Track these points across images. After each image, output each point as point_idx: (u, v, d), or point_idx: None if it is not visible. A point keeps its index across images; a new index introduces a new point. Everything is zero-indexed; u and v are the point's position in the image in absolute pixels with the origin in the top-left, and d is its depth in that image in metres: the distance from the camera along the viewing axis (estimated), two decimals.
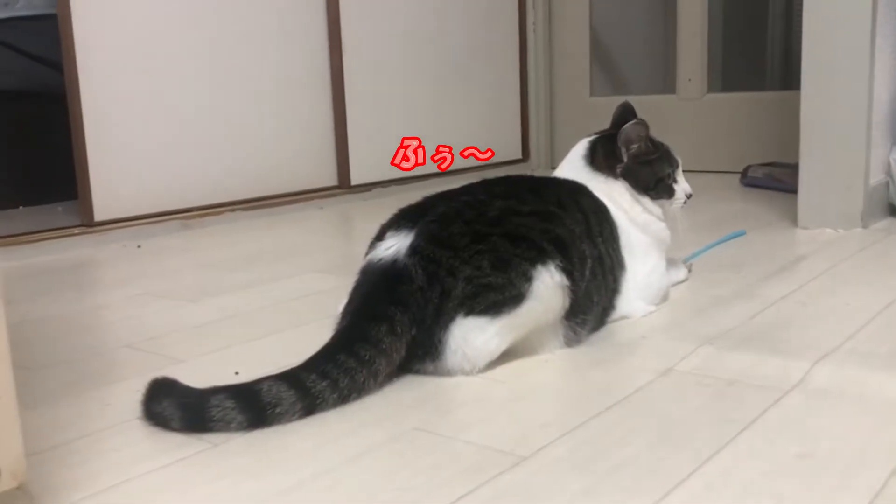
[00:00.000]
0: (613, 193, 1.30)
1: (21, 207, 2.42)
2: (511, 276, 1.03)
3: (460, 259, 1.03)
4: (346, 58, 2.56)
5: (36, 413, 0.97)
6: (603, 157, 1.32)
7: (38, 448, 0.87)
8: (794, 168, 2.01)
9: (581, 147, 1.35)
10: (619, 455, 0.82)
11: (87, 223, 2.06)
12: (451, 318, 1.01)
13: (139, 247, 2.03)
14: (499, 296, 1.02)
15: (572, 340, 1.14)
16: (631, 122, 1.29)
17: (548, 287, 1.05)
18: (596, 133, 1.37)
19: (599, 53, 3.23)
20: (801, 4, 1.87)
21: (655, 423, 0.89)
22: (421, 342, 1.02)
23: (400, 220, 1.12)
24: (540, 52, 3.21)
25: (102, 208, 2.07)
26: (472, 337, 1.02)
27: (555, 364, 1.09)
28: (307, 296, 1.49)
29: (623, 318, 1.26)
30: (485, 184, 1.21)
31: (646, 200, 1.31)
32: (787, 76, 3.12)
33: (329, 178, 2.62)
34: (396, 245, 1.06)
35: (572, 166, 1.34)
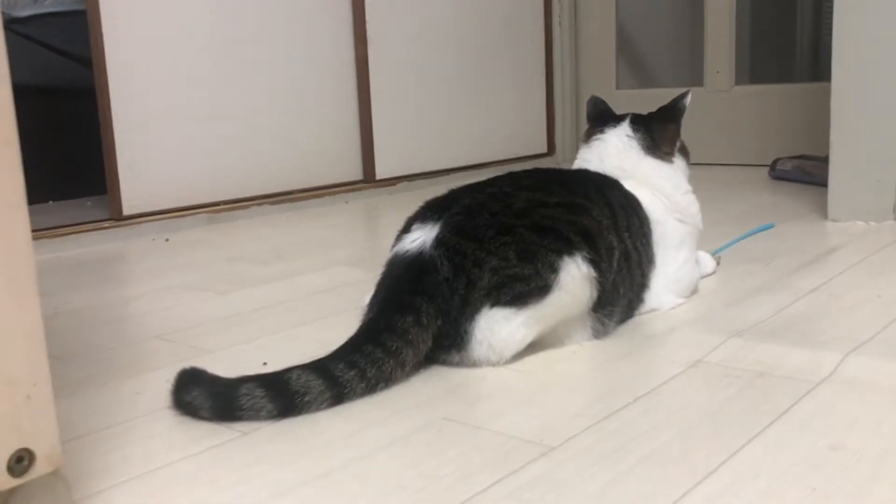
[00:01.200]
0: (665, 176, 1.31)
1: (51, 202, 2.46)
2: (537, 267, 1.02)
3: (486, 250, 1.02)
4: (371, 50, 2.57)
5: (69, 402, 0.99)
6: (659, 139, 1.32)
7: (72, 435, 0.88)
8: (823, 161, 1.99)
9: (623, 135, 1.33)
10: (648, 446, 0.81)
11: (116, 217, 2.08)
12: (477, 309, 1.02)
13: (167, 240, 2.05)
14: (525, 287, 1.02)
15: (600, 332, 1.13)
16: (684, 97, 1.33)
17: (574, 278, 1.04)
18: (602, 124, 1.35)
19: (625, 46, 3.21)
20: None
21: (684, 415, 0.89)
22: (447, 333, 1.02)
23: (426, 213, 1.12)
24: (565, 45, 3.20)
25: (131, 202, 2.10)
26: (497, 328, 1.02)
27: (582, 355, 1.09)
28: (334, 288, 1.50)
29: (651, 311, 1.25)
30: (511, 176, 1.20)
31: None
32: (817, 68, 3.09)
33: (354, 172, 2.63)
34: (422, 237, 1.07)
35: (620, 156, 1.32)
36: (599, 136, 1.35)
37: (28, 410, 0.63)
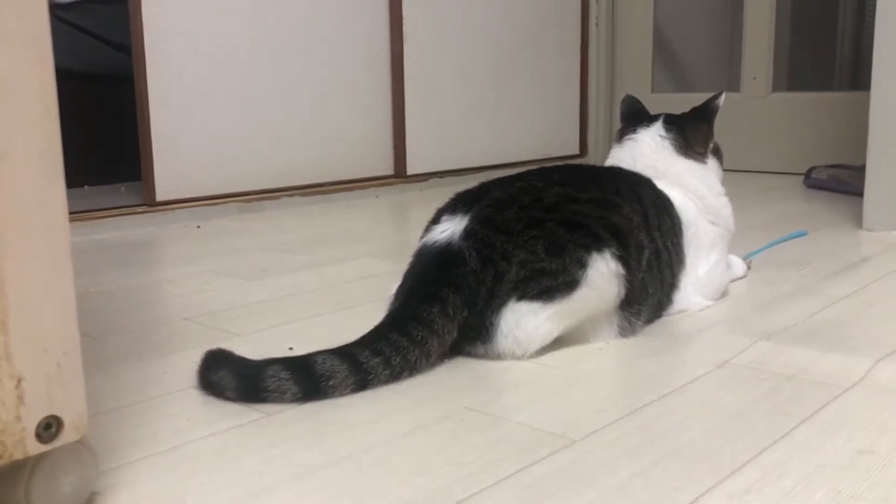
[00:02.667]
0: (698, 177, 1.30)
1: (86, 187, 2.49)
2: (565, 262, 1.02)
3: (515, 244, 1.02)
4: (406, 45, 2.57)
5: (97, 378, 1.00)
6: (692, 139, 1.32)
7: (100, 410, 0.90)
8: (859, 170, 1.96)
9: (656, 135, 1.32)
10: (673, 442, 0.81)
11: (150, 203, 2.11)
12: (504, 302, 1.01)
13: (199, 227, 2.07)
14: (552, 281, 1.02)
15: (627, 331, 1.13)
16: (717, 97, 1.33)
17: (602, 275, 1.04)
18: (635, 124, 1.34)
19: (662, 49, 3.19)
20: (874, 1, 1.82)
21: (710, 414, 0.88)
22: (473, 324, 1.02)
23: (456, 204, 1.12)
24: (602, 47, 3.18)
25: (164, 189, 2.12)
26: (524, 321, 1.02)
27: (609, 352, 1.09)
28: (362, 279, 1.50)
29: (680, 312, 1.24)
30: (542, 171, 1.20)
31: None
32: (857, 77, 3.05)
33: (386, 167, 2.64)
34: (451, 228, 1.07)
35: (653, 156, 1.31)
36: (632, 135, 1.34)
37: (58, 378, 0.64)
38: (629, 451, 0.79)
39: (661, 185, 1.26)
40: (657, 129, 1.33)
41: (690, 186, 1.28)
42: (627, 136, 1.35)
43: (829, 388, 0.94)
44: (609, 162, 1.36)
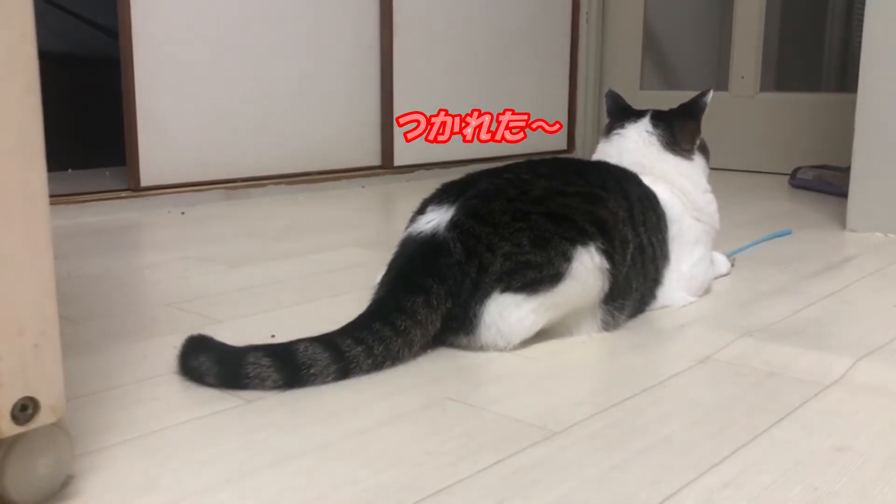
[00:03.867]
0: (685, 173, 1.30)
1: (70, 170, 2.47)
2: (550, 255, 1.02)
3: (500, 235, 1.02)
4: (396, 36, 2.56)
5: (76, 361, 0.99)
6: (679, 136, 1.32)
7: (78, 394, 0.89)
8: (844, 171, 1.97)
9: (643, 131, 1.32)
10: (653, 436, 0.81)
11: (134, 188, 2.09)
12: (488, 294, 1.01)
13: (183, 213, 2.06)
14: (536, 274, 1.01)
15: (610, 325, 1.13)
16: (705, 95, 1.33)
17: (587, 268, 1.04)
18: (622, 119, 1.34)
19: (652, 46, 3.19)
20: (862, 4, 1.83)
21: (690, 409, 0.88)
22: (456, 315, 1.01)
23: (442, 195, 1.12)
24: (591, 43, 3.18)
25: (149, 174, 2.10)
26: (507, 313, 1.02)
27: (591, 346, 1.09)
28: (346, 268, 1.50)
29: (663, 307, 1.24)
30: (529, 164, 1.20)
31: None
32: (844, 78, 3.07)
33: (372, 157, 2.63)
34: (437, 219, 1.06)
35: (640, 151, 1.31)
36: (620, 130, 1.34)
37: (35, 359, 0.64)
38: (609, 443, 0.79)
39: (646, 180, 1.26)
40: (644, 124, 1.33)
41: (676, 182, 1.29)
42: (615, 132, 1.35)
43: (808, 385, 0.94)
44: (596, 156, 1.36)
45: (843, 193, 1.94)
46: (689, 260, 1.27)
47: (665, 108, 1.37)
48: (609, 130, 1.37)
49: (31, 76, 0.61)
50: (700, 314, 1.23)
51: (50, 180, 0.64)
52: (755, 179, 2.71)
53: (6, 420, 0.63)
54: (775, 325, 1.17)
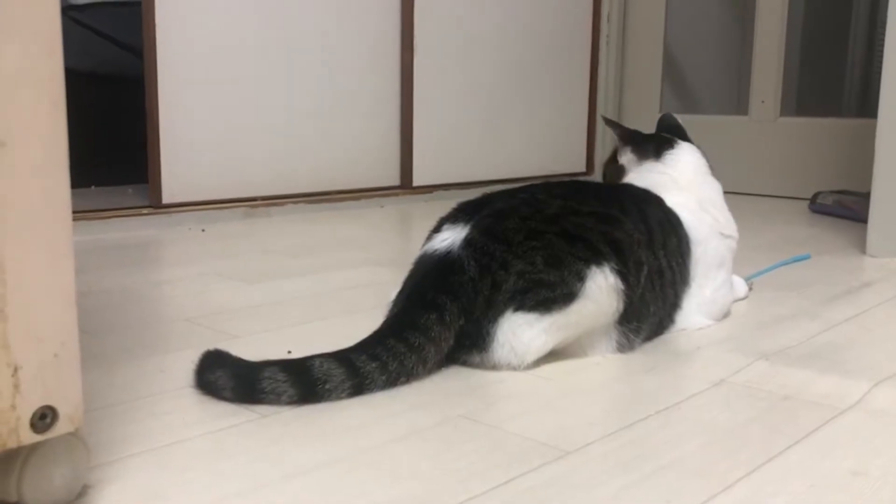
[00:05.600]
0: (719, 192, 1.35)
1: (93, 187, 2.50)
2: (564, 275, 1.02)
3: (514, 254, 1.02)
4: (416, 57, 2.59)
5: (95, 374, 1.00)
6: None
7: (96, 406, 0.90)
8: (864, 197, 1.96)
9: (696, 152, 1.37)
10: (666, 457, 0.81)
11: (155, 205, 2.12)
12: (501, 312, 1.01)
13: (203, 230, 2.08)
14: (550, 293, 1.02)
15: (625, 346, 1.13)
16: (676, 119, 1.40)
17: (601, 288, 1.04)
18: (664, 143, 1.36)
19: (671, 70, 3.20)
20: (884, 28, 1.83)
21: (704, 431, 0.88)
22: (469, 333, 1.02)
23: (458, 214, 1.13)
24: (611, 66, 3.20)
25: (170, 192, 2.13)
26: (520, 332, 1.02)
27: (605, 367, 1.08)
28: (363, 286, 1.51)
29: (680, 330, 1.24)
30: (546, 185, 1.20)
31: None
32: (865, 104, 3.05)
33: (392, 177, 2.64)
34: (452, 237, 1.07)
35: (696, 171, 1.35)
36: (670, 151, 1.35)
37: (54, 369, 0.65)
38: (621, 464, 0.79)
39: (686, 199, 1.27)
40: (692, 146, 1.36)
41: (715, 202, 1.32)
42: (667, 152, 1.35)
43: (824, 409, 0.94)
44: (646, 178, 1.32)
45: (862, 219, 1.93)
46: (713, 284, 1.27)
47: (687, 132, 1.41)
48: (659, 151, 1.36)
49: (58, 92, 0.63)
50: (716, 337, 1.23)
51: (73, 196, 0.65)
52: (774, 204, 2.70)
53: (25, 428, 0.64)
54: (792, 348, 1.17)
